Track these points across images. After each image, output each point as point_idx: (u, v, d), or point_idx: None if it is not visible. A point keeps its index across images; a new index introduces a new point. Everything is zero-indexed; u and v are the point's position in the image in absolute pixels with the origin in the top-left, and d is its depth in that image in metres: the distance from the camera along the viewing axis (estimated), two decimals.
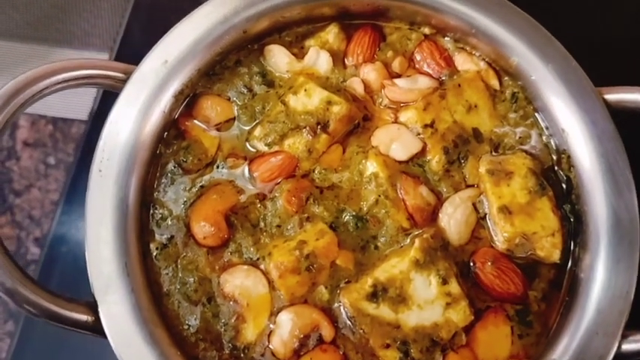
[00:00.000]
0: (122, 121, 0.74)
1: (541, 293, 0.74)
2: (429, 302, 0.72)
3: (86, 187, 1.22)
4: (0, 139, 1.36)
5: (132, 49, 1.20)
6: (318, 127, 0.78)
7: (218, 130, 0.80)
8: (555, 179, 0.79)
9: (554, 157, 0.80)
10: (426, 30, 0.84)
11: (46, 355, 1.08)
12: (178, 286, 0.73)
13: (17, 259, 1.30)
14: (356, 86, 0.81)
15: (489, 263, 0.74)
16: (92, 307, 0.68)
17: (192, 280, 0.73)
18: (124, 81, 0.75)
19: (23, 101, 0.68)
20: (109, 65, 0.74)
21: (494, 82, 0.82)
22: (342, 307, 0.72)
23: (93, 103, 1.39)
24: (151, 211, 0.76)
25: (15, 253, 1.33)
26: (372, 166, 0.77)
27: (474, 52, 0.83)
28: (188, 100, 0.80)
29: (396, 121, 0.80)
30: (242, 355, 0.71)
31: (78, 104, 1.66)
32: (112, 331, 0.67)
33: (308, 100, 0.79)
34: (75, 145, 1.50)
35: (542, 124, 0.81)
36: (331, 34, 0.83)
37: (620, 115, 0.75)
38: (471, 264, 0.75)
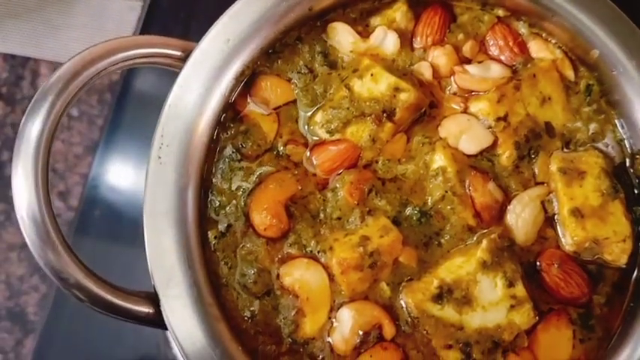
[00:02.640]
0: (182, 105, 0.69)
1: (605, 297, 0.73)
2: (494, 304, 0.70)
3: (118, 143, 1.20)
4: (21, 89, 1.32)
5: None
6: (384, 115, 0.74)
7: (277, 113, 0.76)
8: (626, 179, 0.76)
9: (628, 157, 0.76)
10: (500, 12, 0.79)
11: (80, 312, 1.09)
12: (237, 277, 0.71)
13: None
14: (424, 71, 0.77)
15: (555, 265, 0.72)
16: (153, 299, 0.67)
17: (251, 271, 0.71)
18: (183, 60, 0.70)
19: (81, 85, 0.64)
20: (167, 43, 0.69)
21: (570, 73, 0.77)
22: (404, 307, 0.71)
23: None
24: (210, 197, 0.73)
25: None
26: (440, 160, 0.73)
27: (549, 39, 0.78)
28: (246, 80, 0.75)
29: (465, 111, 0.76)
30: (301, 349, 0.70)
31: None
32: (174, 326, 0.66)
33: (374, 85, 0.74)
34: (98, 97, 1.45)
35: (617, 121, 0.77)
36: (399, 12, 0.78)
37: None
38: (537, 265, 0.73)
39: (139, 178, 1.21)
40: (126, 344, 1.07)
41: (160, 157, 0.68)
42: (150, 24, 1.20)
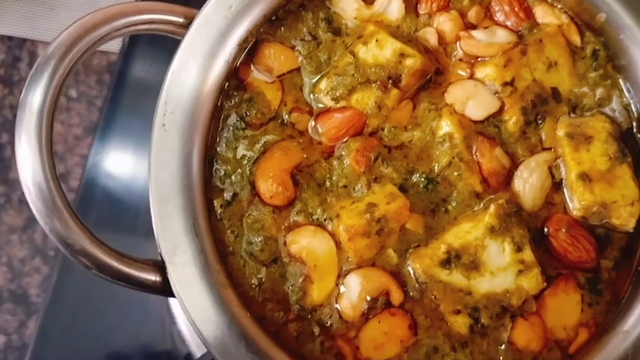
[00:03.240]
0: (185, 71, 0.69)
1: (612, 262, 0.73)
2: (502, 269, 0.70)
3: (118, 124, 1.19)
4: (18, 71, 1.30)
5: None
6: (390, 81, 0.73)
7: (281, 81, 0.75)
8: (633, 145, 0.75)
9: (635, 121, 0.76)
10: None
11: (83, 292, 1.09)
12: (244, 245, 0.71)
13: None
14: (429, 37, 0.76)
15: (563, 230, 0.72)
16: (159, 267, 0.66)
17: (258, 239, 0.70)
18: (185, 26, 0.69)
19: (83, 50, 0.63)
20: (169, 9, 0.69)
21: (576, 38, 0.77)
22: (412, 272, 0.71)
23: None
24: (215, 166, 0.72)
25: None
26: (446, 126, 0.73)
27: (555, 4, 0.77)
28: (249, 48, 0.74)
29: (471, 77, 0.75)
30: (309, 316, 0.70)
31: None
32: (181, 293, 0.65)
33: (379, 51, 0.73)
34: (97, 78, 1.44)
35: (624, 86, 0.77)
36: None
37: None
38: (545, 230, 0.73)
39: (140, 159, 1.20)
40: (129, 323, 1.07)
41: (164, 125, 0.68)
42: None
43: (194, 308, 0.65)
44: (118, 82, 1.18)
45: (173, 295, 0.66)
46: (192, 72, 0.69)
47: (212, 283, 0.66)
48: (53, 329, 1.09)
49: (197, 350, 1.02)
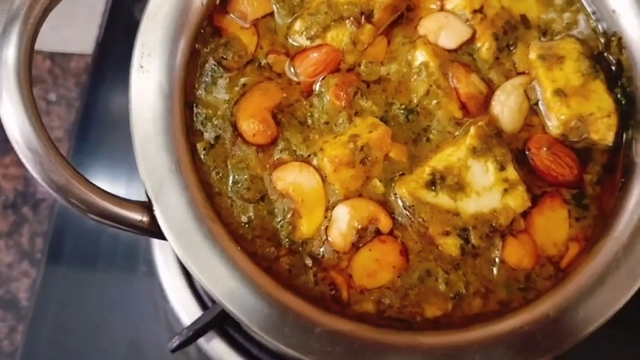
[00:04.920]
0: (160, 13, 0.70)
1: (596, 176, 0.74)
2: (487, 189, 0.71)
3: (94, 128, 1.19)
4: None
5: None
6: (362, 16, 0.75)
7: (256, 26, 0.76)
8: (605, 65, 0.77)
9: (603, 42, 0.78)
10: None
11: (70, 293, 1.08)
12: (230, 185, 0.71)
13: (26, 199, 1.28)
14: None
15: (544, 148, 0.73)
16: (147, 207, 0.66)
17: (243, 178, 0.71)
18: None
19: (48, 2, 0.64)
20: None
21: None
22: (399, 199, 0.71)
23: (98, 32, 1.34)
24: (195, 111, 0.73)
25: (24, 192, 1.30)
26: (421, 56, 0.74)
27: None
28: None
29: (442, 9, 0.77)
30: (300, 249, 0.70)
31: (75, 37, 1.59)
32: (171, 230, 0.65)
33: None
34: (75, 80, 1.44)
35: (589, 9, 0.79)
36: None
37: None
38: (526, 151, 0.74)
39: (119, 161, 1.20)
40: (118, 321, 1.06)
41: (142, 67, 0.68)
42: None
43: (182, 243, 0.65)
44: (92, 83, 1.19)
45: (163, 237, 0.66)
46: (167, 16, 0.70)
47: (200, 217, 0.66)
48: (40, 334, 1.07)
49: None
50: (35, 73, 1.73)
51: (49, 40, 1.81)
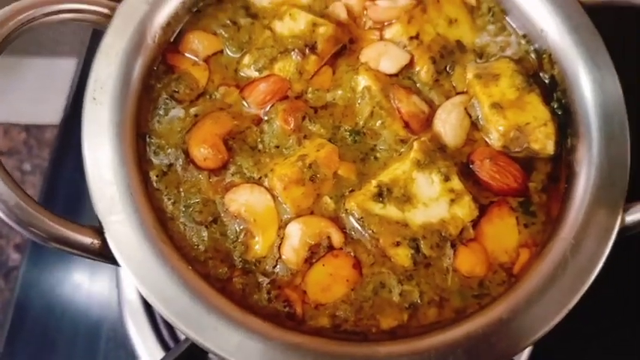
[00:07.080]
0: (112, 51, 0.74)
1: (541, 184, 0.76)
2: (434, 200, 0.72)
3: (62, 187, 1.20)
4: None
5: None
6: (307, 48, 0.79)
7: (207, 62, 0.80)
8: (540, 82, 0.81)
9: (536, 62, 0.82)
10: None
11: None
12: (182, 209, 0.72)
13: None
14: (339, 11, 0.83)
15: (487, 160, 0.76)
16: (97, 231, 0.67)
17: (196, 202, 0.72)
18: (109, 17, 0.75)
19: (8, 33, 0.68)
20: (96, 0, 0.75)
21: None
22: (349, 214, 0.72)
23: (66, 103, 1.38)
24: (148, 141, 0.75)
25: None
26: (363, 80, 0.78)
27: None
28: (175, 36, 0.80)
29: (382, 39, 0.82)
30: (254, 267, 0.70)
31: (49, 109, 1.64)
32: (120, 251, 0.65)
33: (294, 23, 0.80)
34: (50, 150, 1.48)
35: (521, 32, 0.84)
36: None
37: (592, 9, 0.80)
38: (470, 164, 0.76)
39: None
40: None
41: (95, 98, 0.71)
42: None
43: (133, 266, 0.65)
44: (60, 148, 1.21)
45: (115, 261, 0.66)
46: (119, 51, 0.74)
47: (150, 239, 0.66)
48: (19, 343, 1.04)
49: None
50: (11, 145, 1.77)
51: (24, 112, 1.87)
